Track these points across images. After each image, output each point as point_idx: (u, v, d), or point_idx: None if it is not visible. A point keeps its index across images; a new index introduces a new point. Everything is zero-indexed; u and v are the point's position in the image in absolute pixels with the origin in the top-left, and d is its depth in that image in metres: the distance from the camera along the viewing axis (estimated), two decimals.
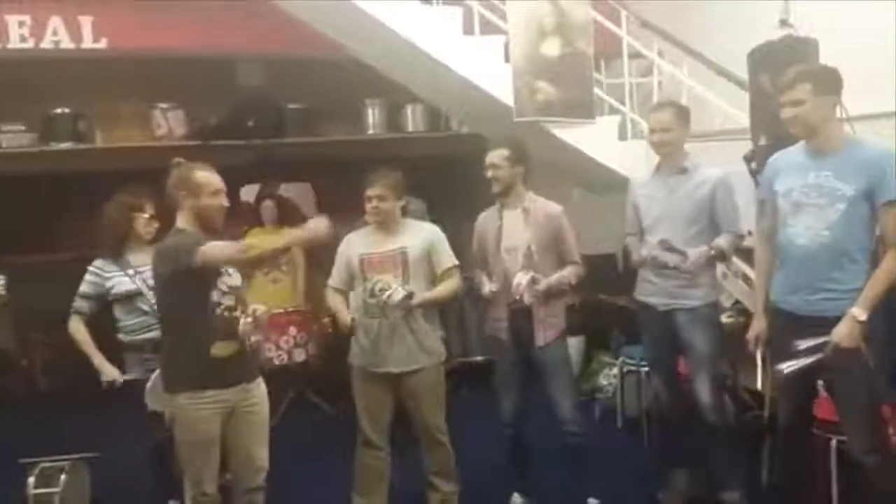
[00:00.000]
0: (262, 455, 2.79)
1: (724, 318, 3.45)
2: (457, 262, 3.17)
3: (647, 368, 3.90)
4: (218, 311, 2.61)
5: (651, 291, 3.17)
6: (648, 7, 4.52)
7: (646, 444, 3.98)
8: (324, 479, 3.55)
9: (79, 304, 3.19)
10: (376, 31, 3.75)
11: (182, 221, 2.64)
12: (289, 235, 2.72)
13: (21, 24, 4.28)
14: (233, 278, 2.68)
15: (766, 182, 2.74)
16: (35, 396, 5.26)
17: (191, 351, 2.60)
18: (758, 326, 2.80)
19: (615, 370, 4.39)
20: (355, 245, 3.13)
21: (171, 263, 2.51)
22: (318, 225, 2.52)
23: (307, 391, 4.69)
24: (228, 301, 2.64)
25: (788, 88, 2.49)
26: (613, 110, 4.41)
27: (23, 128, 5.05)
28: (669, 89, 4.38)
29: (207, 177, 2.63)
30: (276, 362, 4.43)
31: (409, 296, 2.95)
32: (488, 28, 4.07)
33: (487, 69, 3.95)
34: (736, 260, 3.65)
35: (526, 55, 3.96)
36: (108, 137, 5.40)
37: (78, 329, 3.18)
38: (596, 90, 4.24)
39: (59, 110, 5.09)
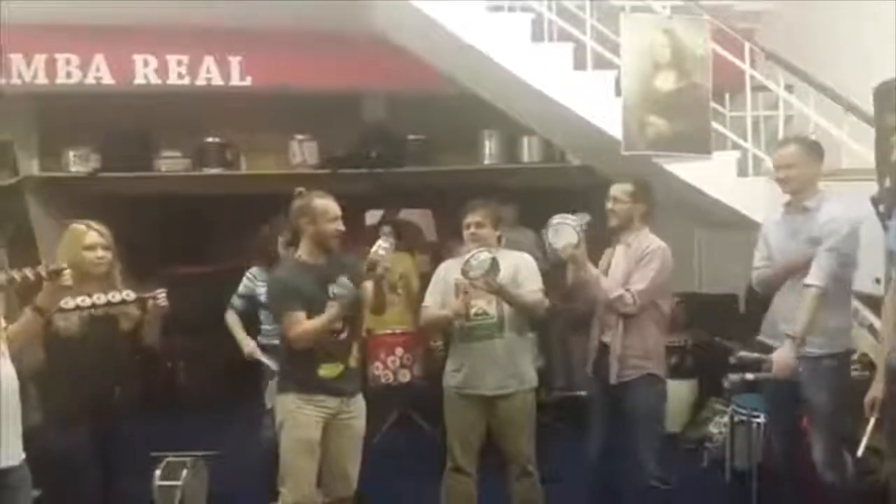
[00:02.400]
0: (352, 467, 2.94)
1: None
2: (542, 287, 3.18)
3: (759, 419, 3.68)
4: (326, 335, 2.81)
5: (774, 333, 2.98)
6: (776, 40, 4.34)
7: (754, 499, 3.74)
8: (415, 498, 3.65)
9: (234, 300, 3.78)
10: (487, 67, 3.89)
11: (303, 246, 2.91)
12: (328, 313, 2.81)
13: (179, 62, 4.86)
14: (351, 293, 2.84)
15: (892, 231, 2.55)
16: (174, 396, 5.80)
17: (300, 370, 2.85)
18: (876, 389, 2.60)
19: (726, 418, 4.18)
20: (452, 270, 3.23)
21: (270, 303, 2.79)
22: (346, 292, 2.79)
23: (410, 411, 4.84)
24: (335, 325, 2.84)
25: None
26: (736, 145, 4.25)
27: (179, 154, 5.67)
28: (798, 125, 4.17)
29: (326, 204, 2.87)
30: (382, 381, 4.61)
31: (495, 263, 2.95)
32: (602, 62, 4.08)
33: (598, 104, 3.96)
34: (862, 309, 3.38)
35: (638, 89, 3.93)
36: (251, 165, 5.94)
37: (231, 318, 3.77)
38: (715, 124, 4.12)
39: (210, 140, 5.66)
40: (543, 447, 3.29)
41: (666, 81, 3.96)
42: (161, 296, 2.76)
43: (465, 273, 2.98)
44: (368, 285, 2.93)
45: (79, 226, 2.83)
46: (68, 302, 2.47)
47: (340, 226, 2.88)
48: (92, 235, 2.79)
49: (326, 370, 2.83)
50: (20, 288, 2.34)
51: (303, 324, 2.79)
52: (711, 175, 4.04)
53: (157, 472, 3.56)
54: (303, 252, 2.90)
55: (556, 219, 3.07)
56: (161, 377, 5.77)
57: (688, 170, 4.02)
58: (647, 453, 3.03)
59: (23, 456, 2.33)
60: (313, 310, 2.80)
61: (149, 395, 5.54)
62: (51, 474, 2.68)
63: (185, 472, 3.59)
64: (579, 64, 4.03)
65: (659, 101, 3.95)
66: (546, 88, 3.91)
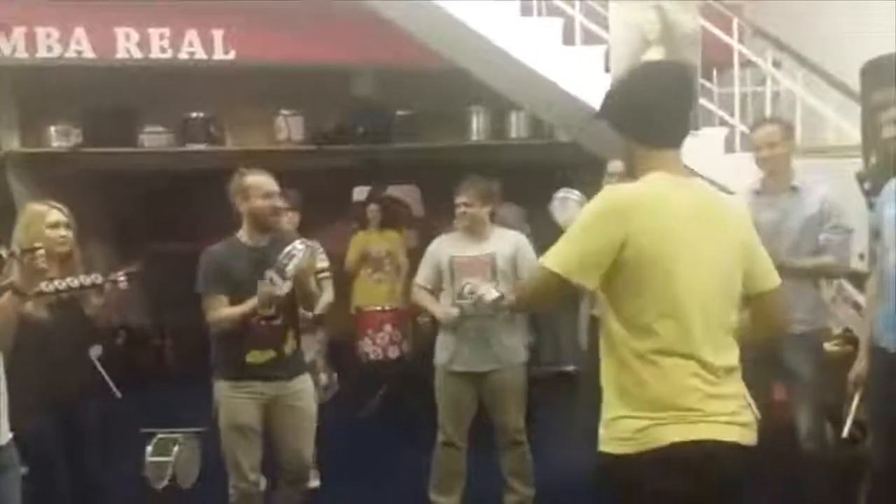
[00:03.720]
0: (303, 447, 2.88)
1: (831, 346, 3.25)
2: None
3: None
4: (256, 321, 2.73)
5: None
6: (764, 16, 4.33)
7: None
8: (406, 473, 3.68)
9: None
10: (476, 42, 3.86)
11: (243, 226, 2.81)
12: (246, 305, 2.71)
13: (161, 36, 4.77)
14: (276, 288, 2.69)
15: (879, 208, 2.58)
16: (163, 373, 5.81)
17: (227, 355, 2.78)
18: (858, 366, 2.63)
19: None
20: (445, 247, 3.26)
21: (199, 280, 2.78)
22: (268, 289, 2.67)
23: (399, 387, 4.87)
24: (268, 311, 2.74)
25: (890, 106, 2.35)
26: (725, 121, 4.26)
27: (162, 129, 5.57)
28: (785, 101, 4.18)
29: (258, 180, 2.76)
30: (372, 357, 4.63)
31: (502, 297, 3.00)
32: (591, 37, 4.06)
33: (586, 79, 3.93)
34: (847, 286, 3.44)
35: (627, 65, 3.90)
36: (235, 140, 5.85)
37: None
38: (703, 100, 4.12)
39: (193, 115, 5.56)
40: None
41: (654, 57, 3.94)
42: (121, 279, 2.65)
43: (459, 303, 3.04)
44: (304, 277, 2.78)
45: (39, 206, 2.72)
46: (48, 285, 2.39)
47: (276, 202, 2.78)
48: (54, 214, 2.68)
49: (254, 357, 2.75)
50: None
51: (220, 310, 2.73)
52: (698, 150, 4.01)
53: (149, 449, 3.56)
54: (243, 232, 2.81)
55: (561, 192, 3.07)
56: (150, 354, 5.78)
57: None
58: None
59: (10, 435, 2.32)
60: (242, 293, 2.72)
61: (138, 373, 5.61)
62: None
63: (176, 448, 3.60)
64: (568, 39, 4.01)
65: None
66: (535, 64, 3.89)
